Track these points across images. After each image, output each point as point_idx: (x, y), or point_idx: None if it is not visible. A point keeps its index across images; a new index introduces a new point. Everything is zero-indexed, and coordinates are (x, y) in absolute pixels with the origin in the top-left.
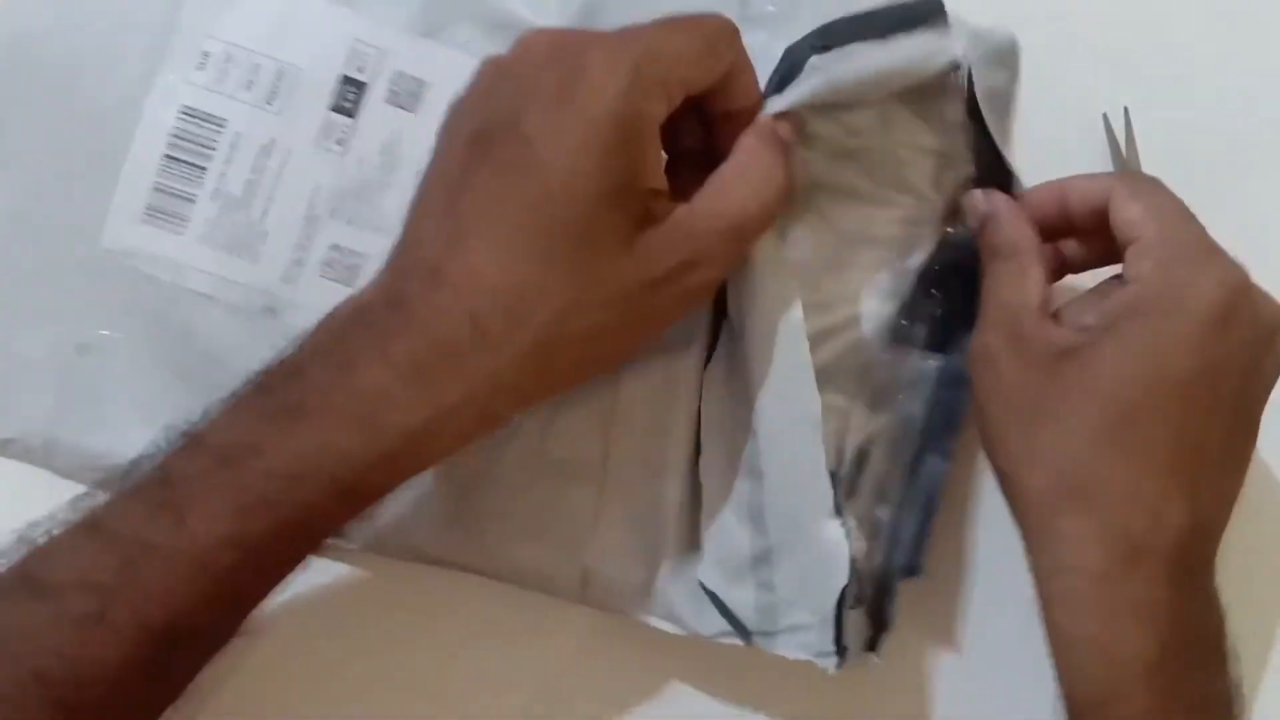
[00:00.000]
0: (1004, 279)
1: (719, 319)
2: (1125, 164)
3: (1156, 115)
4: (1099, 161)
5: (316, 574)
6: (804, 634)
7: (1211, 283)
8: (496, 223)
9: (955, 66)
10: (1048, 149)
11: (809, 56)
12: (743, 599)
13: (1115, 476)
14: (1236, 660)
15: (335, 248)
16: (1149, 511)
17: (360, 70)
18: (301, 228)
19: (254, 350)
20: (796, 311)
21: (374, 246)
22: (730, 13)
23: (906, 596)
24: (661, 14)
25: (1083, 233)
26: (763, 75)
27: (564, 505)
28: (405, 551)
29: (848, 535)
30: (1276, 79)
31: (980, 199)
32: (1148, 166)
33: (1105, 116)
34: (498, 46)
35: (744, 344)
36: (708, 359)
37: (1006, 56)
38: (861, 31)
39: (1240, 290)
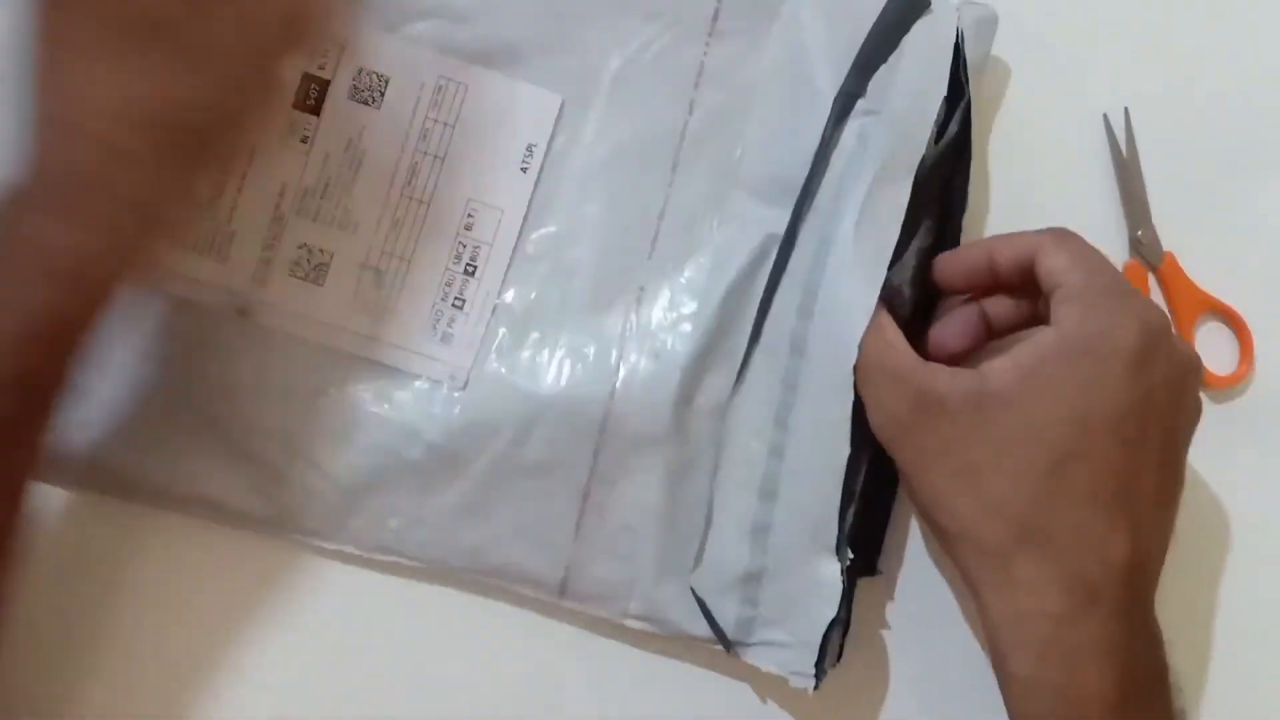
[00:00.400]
0: (873, 347)
1: (751, 349)
2: (1125, 164)
3: (1156, 115)
4: (1099, 161)
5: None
6: (779, 651)
7: (1134, 324)
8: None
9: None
10: (1048, 149)
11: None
12: (725, 610)
13: (1066, 519)
14: (1180, 693)
15: (303, 246)
16: (1099, 551)
17: (321, 68)
18: (268, 226)
19: (227, 351)
20: (849, 363)
21: (340, 244)
22: (700, 26)
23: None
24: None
25: (1008, 289)
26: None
27: (547, 508)
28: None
29: (843, 573)
30: (1277, 79)
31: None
32: (1148, 166)
33: (1105, 116)
34: (459, 40)
35: (799, 392)
36: (738, 379)
37: (986, 28)
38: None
39: (1160, 332)
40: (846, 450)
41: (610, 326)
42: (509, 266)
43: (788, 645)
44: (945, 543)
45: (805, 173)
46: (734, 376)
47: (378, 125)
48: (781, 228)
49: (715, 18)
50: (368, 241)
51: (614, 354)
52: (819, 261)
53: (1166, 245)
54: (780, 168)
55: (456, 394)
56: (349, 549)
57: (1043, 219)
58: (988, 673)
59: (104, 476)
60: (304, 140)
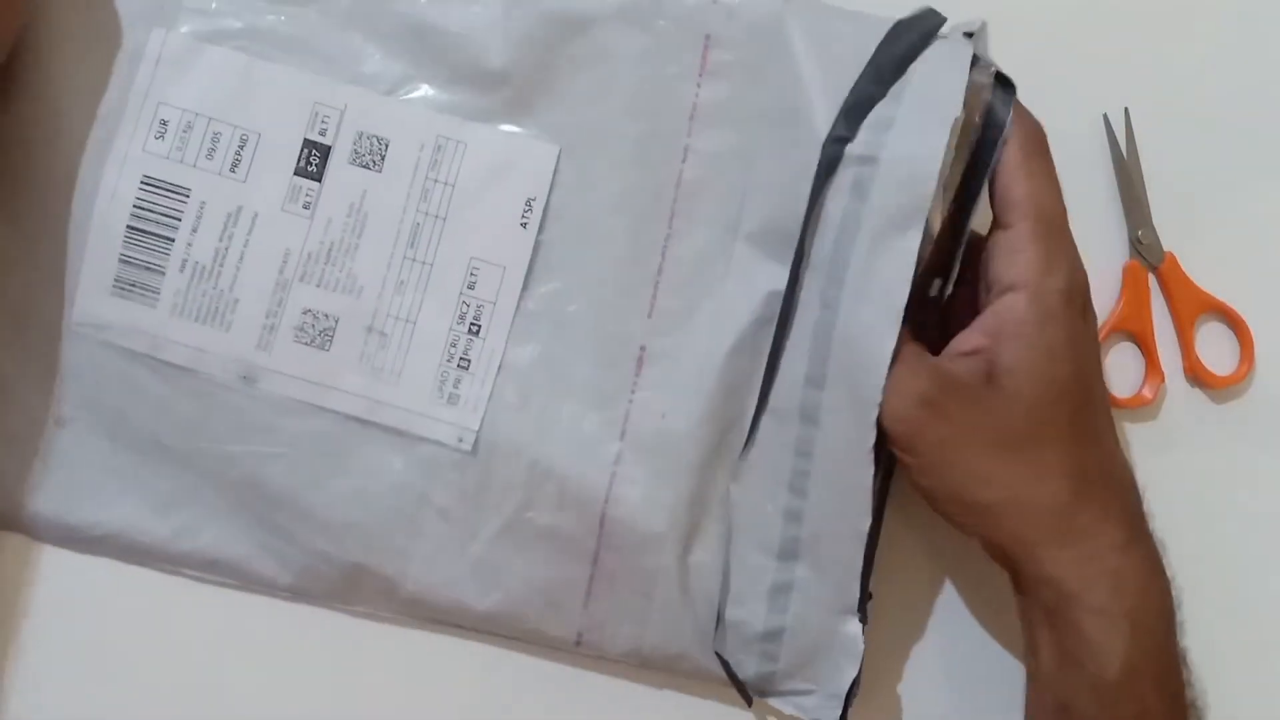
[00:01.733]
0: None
1: (759, 414)
2: (1125, 164)
3: (1156, 115)
4: (1099, 161)
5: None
6: (802, 698)
7: (1079, 281)
8: None
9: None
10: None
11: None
12: (744, 666)
13: (1098, 460)
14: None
15: (307, 311)
16: (1123, 478)
17: (323, 133)
18: (272, 293)
19: (234, 418)
20: (870, 437)
21: (345, 308)
22: (691, 64)
23: None
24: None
25: None
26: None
27: (558, 572)
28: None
29: (864, 630)
30: (1277, 79)
31: None
32: (1148, 166)
33: (1105, 117)
34: (457, 99)
35: (815, 459)
36: (746, 444)
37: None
38: (873, 89)
39: (1085, 279)
40: (868, 519)
41: (614, 387)
42: (512, 324)
43: (809, 692)
44: (983, 517)
45: (796, 223)
46: (741, 440)
47: (379, 188)
48: (779, 284)
49: (705, 53)
50: (372, 305)
51: (618, 416)
52: (823, 328)
53: (1166, 245)
54: (779, 218)
55: (465, 456)
56: (360, 609)
57: None
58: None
59: (118, 543)
60: (306, 206)
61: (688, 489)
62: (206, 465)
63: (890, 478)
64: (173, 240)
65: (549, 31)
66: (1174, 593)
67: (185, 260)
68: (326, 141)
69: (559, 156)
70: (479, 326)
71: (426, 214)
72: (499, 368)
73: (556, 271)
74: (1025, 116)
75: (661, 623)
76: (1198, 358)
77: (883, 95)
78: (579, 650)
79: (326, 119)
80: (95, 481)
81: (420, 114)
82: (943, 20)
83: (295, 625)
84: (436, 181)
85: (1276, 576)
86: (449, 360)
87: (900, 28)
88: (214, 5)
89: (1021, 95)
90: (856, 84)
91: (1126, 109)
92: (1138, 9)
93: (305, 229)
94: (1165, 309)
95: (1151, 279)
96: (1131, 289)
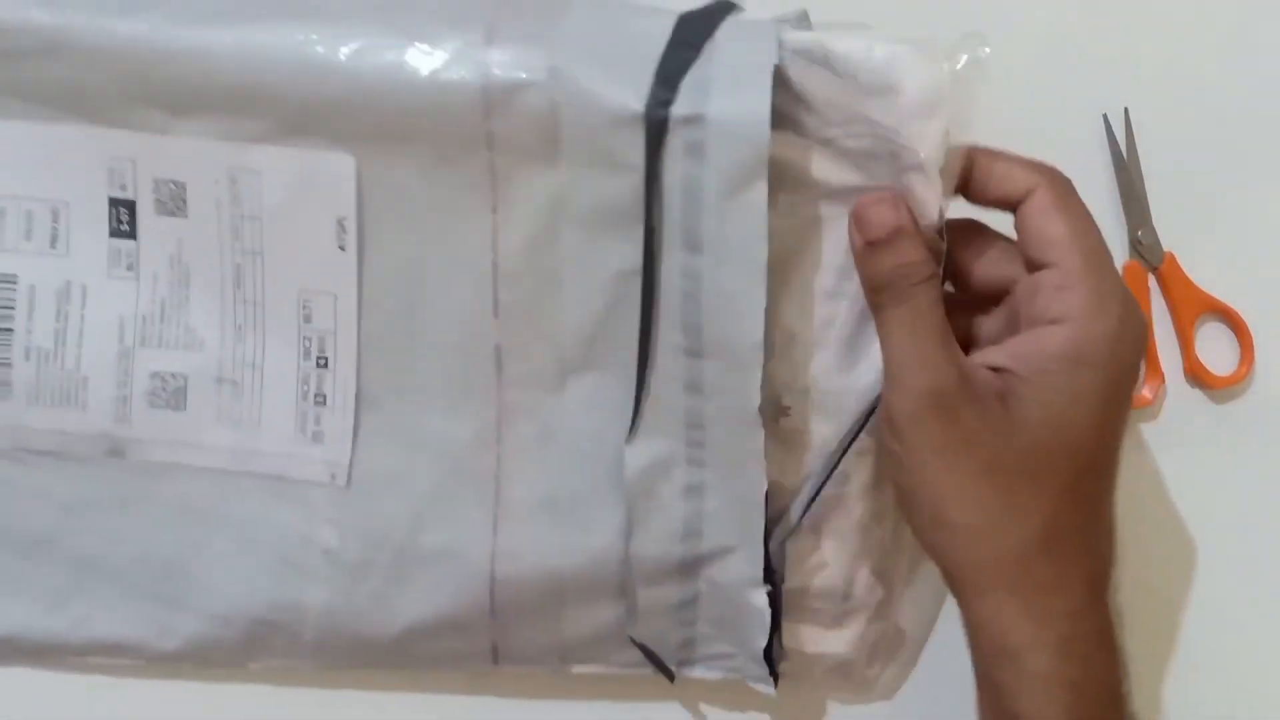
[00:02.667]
0: (906, 322)
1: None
2: (1125, 164)
3: (1156, 115)
4: (1099, 161)
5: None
6: (726, 660)
7: (1137, 329)
8: None
9: None
10: (1048, 149)
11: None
12: (667, 638)
13: (1083, 523)
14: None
15: (155, 375)
16: (1104, 548)
17: (123, 188)
18: (117, 363)
19: (110, 494)
20: (755, 400)
21: (190, 364)
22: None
23: None
24: None
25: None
26: None
27: (457, 590)
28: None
29: (771, 602)
30: (1277, 79)
31: (874, 201)
32: (1148, 166)
33: (1105, 117)
34: (237, 123)
35: (708, 429)
36: (632, 430)
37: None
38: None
39: (1144, 337)
40: (764, 482)
41: (478, 394)
42: (359, 350)
43: (735, 655)
44: (948, 536)
45: (636, 197)
46: (621, 426)
47: (191, 234)
48: (631, 261)
49: (490, 41)
50: (216, 356)
51: (489, 422)
52: (691, 297)
53: (1166, 245)
54: (608, 194)
55: (341, 491)
56: (270, 664)
57: None
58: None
59: (17, 647)
60: (129, 268)
61: (575, 481)
62: (92, 549)
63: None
64: (12, 330)
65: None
66: (1124, 665)
67: (28, 348)
68: (129, 196)
69: (358, 168)
70: (326, 358)
71: (244, 252)
72: (356, 396)
73: (389, 285)
74: (1048, 166)
75: (576, 615)
76: (1198, 358)
77: (694, 58)
78: (499, 667)
79: (123, 173)
80: None
81: (204, 147)
82: (737, 6)
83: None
84: (244, 217)
85: (1276, 576)
86: (304, 398)
87: (688, 14)
88: None
89: (1021, 95)
90: (665, 52)
91: (1126, 109)
92: (1138, 9)
93: (134, 291)
94: (1165, 309)
95: (1151, 279)
96: (1132, 289)
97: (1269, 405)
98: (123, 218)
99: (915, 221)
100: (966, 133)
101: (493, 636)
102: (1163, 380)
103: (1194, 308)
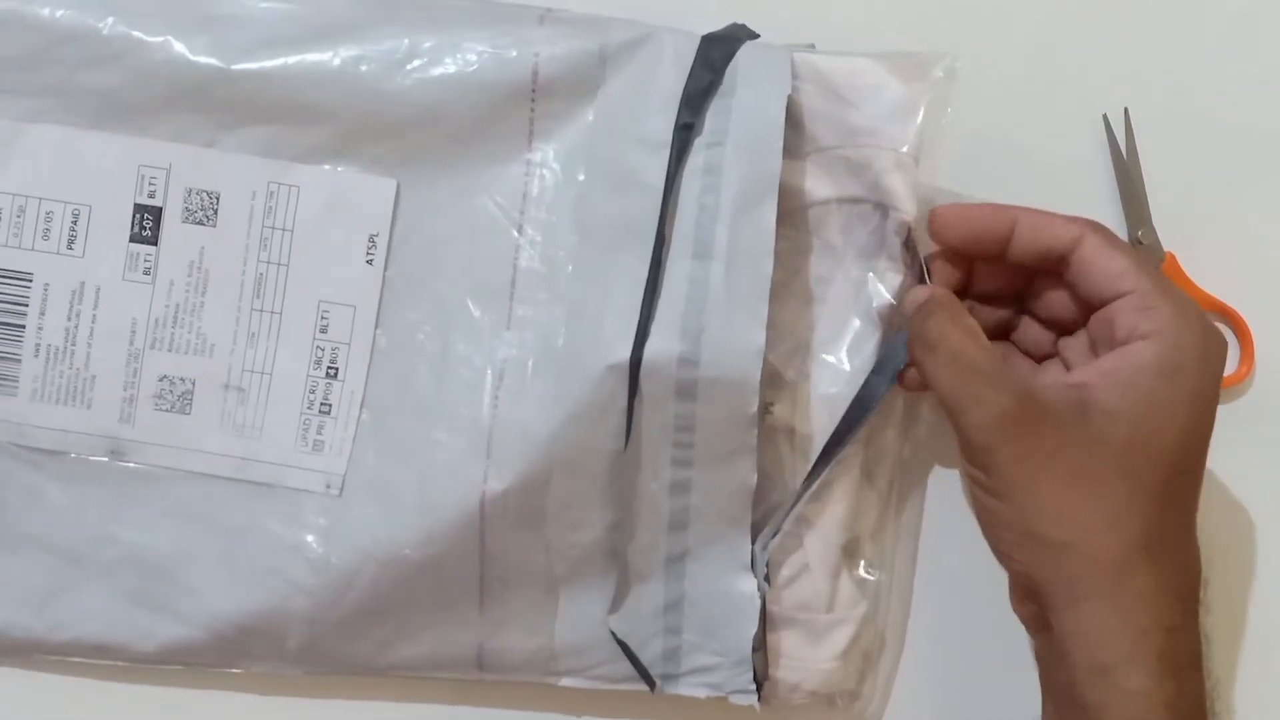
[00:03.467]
0: (972, 342)
1: (633, 403)
2: (1125, 164)
3: (1156, 115)
4: (1099, 161)
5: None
6: (709, 674)
7: (1216, 339)
8: None
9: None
10: (1048, 149)
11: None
12: (649, 646)
13: (1175, 534)
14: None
15: (163, 378)
16: (1195, 563)
17: (151, 195)
18: (126, 365)
19: (106, 495)
20: (751, 405)
21: (199, 369)
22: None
23: None
24: None
25: (1006, 264)
26: None
27: (445, 599)
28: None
29: (760, 588)
30: (1277, 79)
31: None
32: (1147, 166)
33: (1105, 117)
34: (281, 141)
35: (698, 431)
36: (626, 439)
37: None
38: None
39: (1223, 348)
40: (754, 476)
41: (478, 407)
42: (370, 363)
43: (718, 667)
44: (1042, 553)
45: (651, 211)
46: (618, 433)
47: (216, 243)
48: (638, 273)
49: (536, 71)
50: (226, 362)
51: (484, 434)
52: (694, 305)
53: (1166, 245)
54: (626, 210)
55: (334, 501)
56: (255, 669)
57: None
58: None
59: None
60: (146, 272)
61: (563, 490)
62: (81, 549)
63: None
64: (23, 327)
65: (375, 68)
66: (1211, 687)
67: (39, 345)
68: (156, 203)
69: (398, 190)
70: (336, 369)
71: (268, 262)
72: (361, 407)
73: (408, 299)
74: (1084, 218)
75: (564, 620)
76: None
77: (719, 82)
78: (484, 674)
79: (154, 180)
80: None
81: (246, 162)
82: (754, 34)
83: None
84: (274, 229)
85: (1276, 576)
86: (309, 407)
87: (712, 35)
88: (23, 81)
89: (1022, 95)
90: (688, 81)
91: (1126, 109)
92: (1137, 9)
93: (149, 295)
94: None
95: None
96: None
97: (1269, 405)
98: (146, 223)
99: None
100: (940, 137)
101: (479, 640)
102: None
103: None
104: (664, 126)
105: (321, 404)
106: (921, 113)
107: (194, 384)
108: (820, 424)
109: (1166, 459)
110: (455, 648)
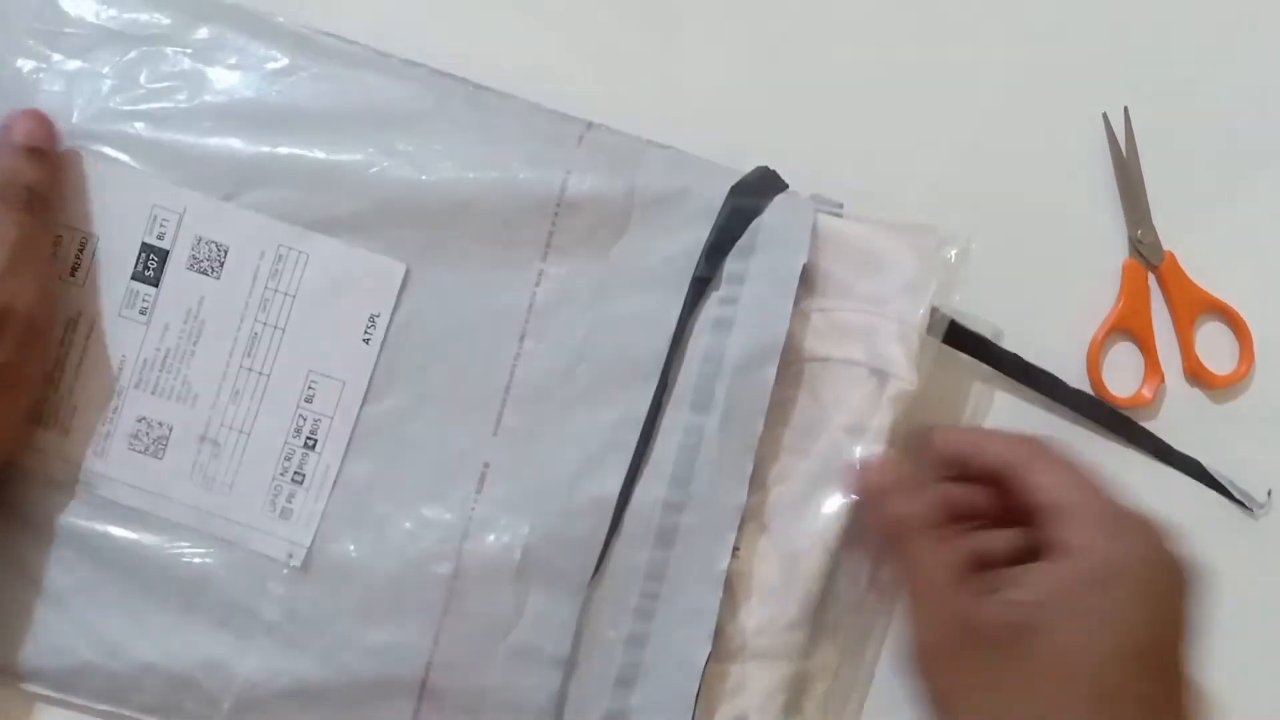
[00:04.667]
0: (909, 573)
1: (611, 539)
2: (1125, 164)
3: (1156, 115)
4: (1099, 161)
5: None
6: None
7: (1158, 549)
8: None
9: None
10: (1048, 149)
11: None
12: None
13: None
14: None
15: (142, 419)
16: None
17: (160, 237)
18: (109, 400)
19: (69, 523)
20: (724, 560)
21: (179, 416)
22: (549, 195)
23: None
24: None
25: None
26: None
27: (385, 691)
28: None
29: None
30: (1277, 79)
31: (866, 469)
32: (1147, 166)
33: (1105, 116)
34: (299, 207)
35: (667, 582)
36: (596, 570)
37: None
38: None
39: (1172, 553)
40: (708, 646)
41: (454, 505)
42: (350, 440)
43: None
44: None
45: (656, 355)
46: (582, 564)
47: (217, 295)
48: (634, 411)
49: (564, 187)
50: (207, 413)
51: (456, 535)
52: (687, 454)
53: (1166, 245)
54: (633, 348)
55: (295, 572)
56: None
57: (1043, 219)
58: None
59: None
60: (143, 312)
61: (524, 607)
62: (37, 571)
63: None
64: None
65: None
66: None
67: None
68: (165, 245)
69: (406, 274)
70: (315, 440)
71: (265, 324)
72: (334, 483)
73: (399, 385)
74: (1030, 435)
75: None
76: (1198, 358)
77: (740, 235)
78: None
79: (165, 222)
80: None
81: (261, 222)
82: (784, 183)
83: None
84: (277, 291)
85: (1276, 576)
86: (283, 474)
87: (741, 184)
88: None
89: (1022, 95)
90: (715, 227)
91: (1126, 109)
92: (1138, 9)
93: (142, 335)
94: (1165, 309)
95: (1151, 279)
96: (1131, 288)
97: (1269, 405)
98: (151, 264)
99: (911, 478)
100: (949, 308)
101: None
102: (1163, 380)
103: (1194, 307)
104: (683, 274)
105: (295, 473)
106: (932, 290)
107: (171, 430)
108: (775, 579)
109: (1114, 674)
110: None
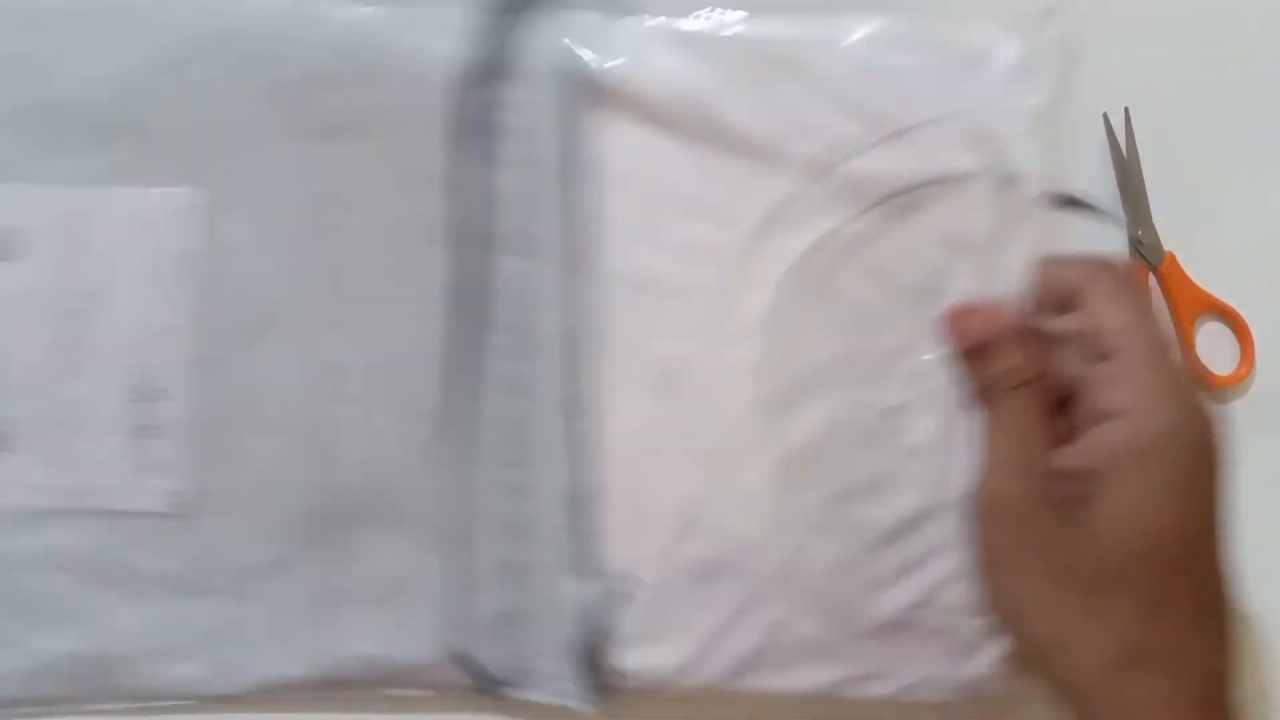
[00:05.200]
0: (994, 426)
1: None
2: (1125, 164)
3: (1156, 115)
4: (1099, 161)
5: None
6: (560, 683)
7: (1203, 424)
8: None
9: None
10: (1048, 149)
11: None
12: (484, 653)
13: (1173, 636)
14: None
15: None
16: (1203, 666)
17: None
18: None
19: None
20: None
21: (17, 408)
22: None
23: None
24: None
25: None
26: None
27: (286, 606)
28: None
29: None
30: (1277, 79)
31: (966, 312)
32: (1148, 166)
33: (1105, 116)
34: (81, 164)
35: (532, 421)
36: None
37: None
38: None
39: (1217, 425)
40: (593, 472)
41: (318, 411)
42: (195, 379)
43: (560, 677)
44: (1030, 652)
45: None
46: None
47: (19, 277)
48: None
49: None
50: (44, 397)
51: (331, 434)
52: (526, 301)
53: (1166, 245)
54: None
55: (181, 521)
56: (109, 706)
57: (1042, 218)
58: None
59: None
60: None
61: (406, 492)
62: None
63: None
64: None
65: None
66: None
67: None
68: None
69: (209, 199)
70: (161, 390)
71: (76, 293)
72: (192, 426)
73: (226, 312)
74: (1102, 258)
75: (400, 628)
76: (1198, 358)
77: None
78: (320, 686)
79: None
80: None
81: (42, 192)
82: None
83: None
84: (79, 259)
85: (1276, 576)
86: (138, 433)
87: None
88: None
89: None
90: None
91: (1126, 109)
92: (1137, 9)
93: None
94: (1165, 309)
95: (1151, 279)
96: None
97: (1269, 405)
98: None
99: (1012, 327)
100: (1062, 109)
101: (312, 655)
102: None
103: (1194, 307)
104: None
105: (149, 426)
106: (1038, 83)
107: (16, 422)
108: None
109: (1158, 560)
110: (286, 658)
